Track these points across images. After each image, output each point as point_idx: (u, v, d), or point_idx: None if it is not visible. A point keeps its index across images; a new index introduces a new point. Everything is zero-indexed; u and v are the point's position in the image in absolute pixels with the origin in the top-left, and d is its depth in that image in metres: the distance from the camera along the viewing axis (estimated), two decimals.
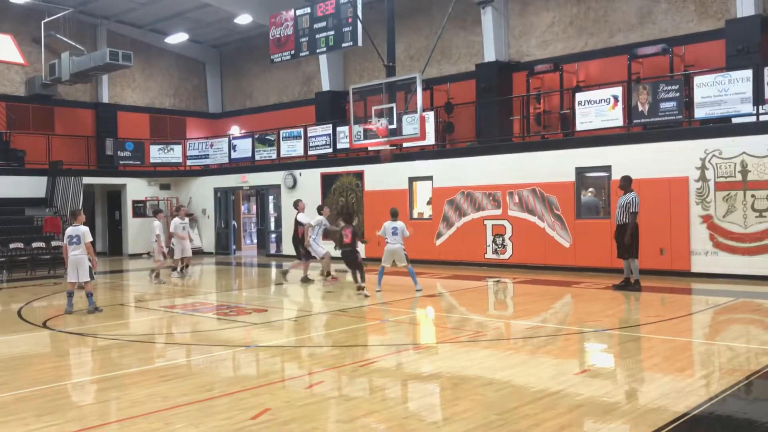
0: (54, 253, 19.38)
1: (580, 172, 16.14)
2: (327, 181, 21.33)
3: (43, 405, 6.05)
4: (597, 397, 6.05)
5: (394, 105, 16.73)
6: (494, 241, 17.39)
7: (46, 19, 23.98)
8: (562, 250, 16.13)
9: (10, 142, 23.65)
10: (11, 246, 18.75)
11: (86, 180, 23.17)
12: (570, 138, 16.93)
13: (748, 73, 13.95)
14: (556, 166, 16.33)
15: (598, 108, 15.90)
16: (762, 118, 13.91)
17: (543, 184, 16.52)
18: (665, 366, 7.20)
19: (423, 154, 19.07)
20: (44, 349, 9.13)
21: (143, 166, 25.24)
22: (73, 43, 23.96)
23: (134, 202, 24.79)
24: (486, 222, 17.50)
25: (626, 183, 12.61)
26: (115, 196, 25.43)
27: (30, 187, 22.16)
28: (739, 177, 13.83)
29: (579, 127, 16.37)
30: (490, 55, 20.11)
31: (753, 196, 13.69)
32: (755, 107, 13.87)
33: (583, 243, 15.79)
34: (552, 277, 15.18)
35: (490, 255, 17.46)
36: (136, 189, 24.93)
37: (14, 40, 21.14)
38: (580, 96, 16.43)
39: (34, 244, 19.17)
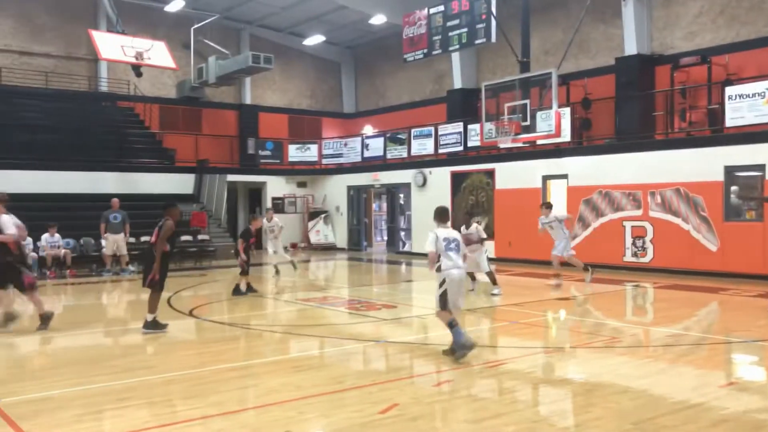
0: (200, 246, 20.64)
1: (730, 171, 15.05)
2: (457, 179, 21.26)
3: (187, 389, 6.44)
4: (745, 412, 5.61)
5: (527, 102, 16.41)
6: (634, 244, 16.60)
7: (195, 26, 25.56)
8: (709, 255, 15.13)
9: (163, 142, 25.44)
10: (182, 238, 20.07)
11: (230, 177, 24.49)
12: (718, 135, 15.83)
13: None
14: (702, 164, 15.33)
15: (751, 102, 14.76)
16: None
17: (688, 184, 15.55)
18: None
19: (558, 151, 18.54)
20: (189, 336, 9.72)
21: (282, 164, 26.30)
22: (219, 48, 25.38)
23: (273, 198, 25.89)
24: (625, 223, 16.74)
25: None
26: (255, 193, 26.68)
27: (179, 183, 23.69)
28: None
29: (729, 123, 15.27)
30: (631, 49, 19.22)
31: None
32: None
33: (732, 247, 14.72)
34: (696, 282, 14.27)
35: (629, 258, 16.68)
36: (275, 186, 26.02)
37: (167, 46, 22.67)
38: (730, 90, 15.32)
39: (183, 238, 20.45)
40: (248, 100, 28.43)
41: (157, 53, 21.92)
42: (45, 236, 16.91)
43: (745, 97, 14.90)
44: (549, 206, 14.11)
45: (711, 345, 8.20)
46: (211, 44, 25.48)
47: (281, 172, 26.28)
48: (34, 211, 17.25)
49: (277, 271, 16.66)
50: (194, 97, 26.83)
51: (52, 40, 25.12)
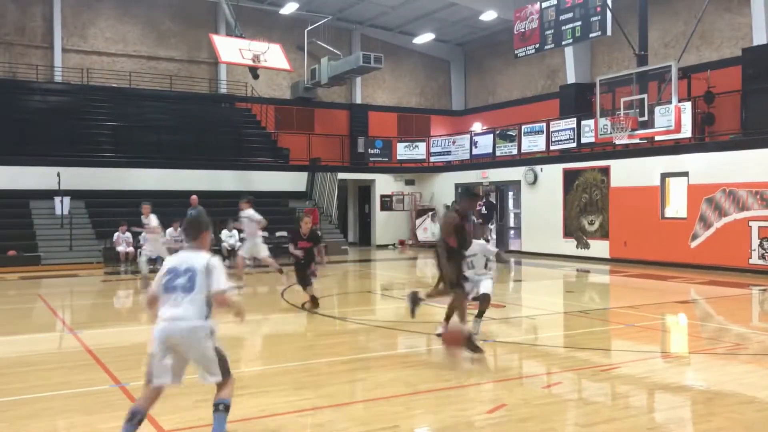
0: None
1: None
2: (569, 176, 20.70)
3: (300, 379, 6.64)
4: None
5: (645, 96, 15.79)
6: (761, 245, 15.57)
7: (309, 27, 26.27)
8: None
9: (278, 141, 26.33)
10: (277, 234, 20.81)
11: (340, 175, 25.01)
12: None
13: None
14: None
15: None
16: None
17: None
18: None
19: (677, 148, 17.67)
20: (300, 328, 10.02)
21: (390, 162, 26.58)
22: (331, 49, 25.96)
23: (382, 196, 26.20)
24: (751, 223, 15.73)
25: None
26: (365, 191, 27.12)
27: (292, 181, 24.45)
28: None
29: None
30: (760, 38, 18.01)
31: None
32: None
33: None
34: None
35: (755, 260, 15.66)
36: (384, 184, 26.32)
37: (282, 49, 23.42)
38: None
39: None
40: (358, 100, 28.92)
41: (273, 55, 22.68)
42: (169, 231, 17.91)
43: None
44: (249, 201, 13.64)
45: None
46: (324, 45, 26.10)
47: (390, 170, 26.55)
48: (160, 207, 18.30)
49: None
50: (307, 97, 27.60)
51: (176, 45, 26.56)
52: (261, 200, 20.93)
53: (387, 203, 26.22)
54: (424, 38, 28.32)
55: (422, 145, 26.65)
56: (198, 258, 4.56)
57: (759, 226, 15.60)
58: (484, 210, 23.11)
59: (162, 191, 20.86)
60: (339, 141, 27.42)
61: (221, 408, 4.48)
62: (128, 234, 18.09)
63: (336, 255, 20.39)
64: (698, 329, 9.79)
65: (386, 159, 26.64)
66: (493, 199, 23.62)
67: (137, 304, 12.18)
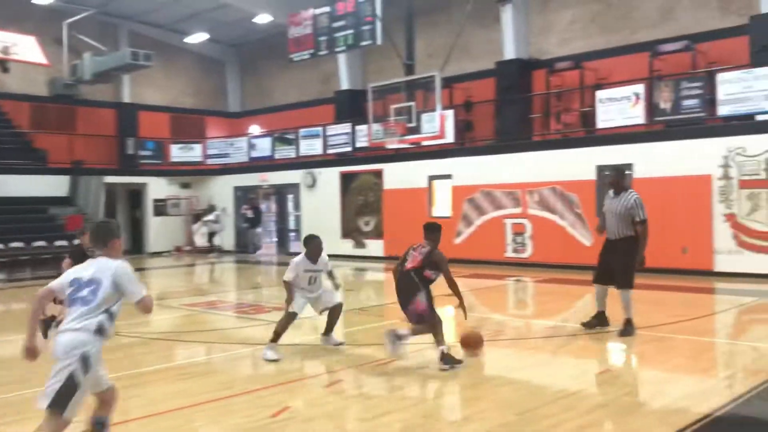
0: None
1: (601, 170, 15.99)
2: (346, 179, 21.37)
3: None
4: (618, 397, 5.99)
5: (413, 103, 16.75)
6: (514, 240, 17.31)
7: (69, 20, 24.25)
8: (583, 249, 15.98)
9: (33, 142, 23.96)
10: (34, 244, 18.98)
11: (108, 179, 23.42)
12: (591, 136, 16.80)
13: None
14: (576, 164, 16.21)
15: (619, 106, 15.76)
16: None
17: (563, 183, 16.41)
18: (688, 366, 7.11)
19: (442, 152, 19.03)
20: None
21: (164, 165, 25.44)
22: (95, 44, 24.20)
23: (155, 200, 25.00)
24: (506, 221, 17.42)
25: (621, 178, 8.85)
26: (136, 195, 25.66)
27: (53, 186, 22.40)
28: (763, 175, 13.63)
29: (600, 125, 16.23)
30: (510, 53, 19.99)
31: None
32: None
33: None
34: (573, 276, 15.05)
35: (509, 254, 17.37)
36: (157, 188, 25.12)
37: (38, 41, 21.37)
38: (600, 94, 16.29)
39: (57, 243, 19.39)
40: (127, 99, 27.26)
41: (26, 48, 20.66)
42: None
43: (614, 100, 15.88)
44: None
45: (587, 335, 8.68)
46: (87, 40, 24.25)
47: (163, 173, 25.40)
48: None
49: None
50: (68, 95, 25.41)
51: None
52: (17, 207, 19.00)
53: (161, 208, 25.07)
54: (198, 38, 27.49)
55: (198, 147, 25.86)
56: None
57: (512, 223, 17.32)
58: (250, 214, 23.38)
59: None
60: (106, 142, 25.65)
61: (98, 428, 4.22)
62: None
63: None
64: (464, 319, 10.59)
65: (159, 161, 25.44)
66: (260, 204, 24.38)
67: None
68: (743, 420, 5.51)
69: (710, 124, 14.89)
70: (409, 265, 7.16)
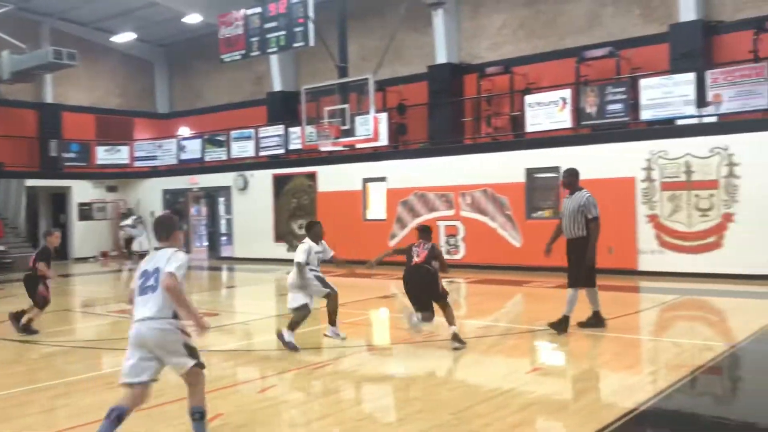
0: None
1: (530, 173, 16.37)
2: (279, 182, 21.17)
3: None
4: (548, 394, 6.13)
5: (347, 106, 16.72)
6: (447, 242, 17.50)
7: None
8: (513, 250, 16.33)
9: None
10: None
11: (29, 182, 22.52)
12: (520, 139, 17.16)
13: (691, 76, 14.37)
14: (506, 167, 16.53)
15: (547, 110, 16.15)
16: (704, 120, 14.35)
17: (494, 185, 16.70)
18: (614, 363, 7.34)
19: (376, 155, 19.08)
20: None
21: (89, 167, 24.63)
22: (14, 41, 23.19)
23: (80, 204, 24.17)
24: (439, 223, 17.59)
25: (573, 179, 9.06)
26: (59, 199, 24.74)
27: None
28: (683, 177, 14.22)
29: (529, 128, 16.61)
30: (441, 57, 20.23)
31: (697, 195, 14.09)
32: (698, 109, 14.30)
33: (534, 243, 15.97)
34: (503, 276, 15.35)
35: (444, 256, 17.53)
36: (82, 191, 24.30)
37: None
38: (529, 98, 16.67)
39: None
40: (50, 99, 26.24)
41: None
42: None
43: (542, 105, 16.28)
44: None
45: (517, 334, 8.86)
46: (5, 37, 23.23)
47: (88, 175, 24.59)
48: None
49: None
50: None
51: None
52: None
53: (86, 212, 24.25)
54: (125, 37, 26.70)
55: (125, 149, 25.15)
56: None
57: (445, 225, 17.52)
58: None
59: None
60: (26, 144, 24.62)
61: (197, 417, 4.76)
62: None
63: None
64: (399, 321, 10.65)
65: (84, 164, 24.61)
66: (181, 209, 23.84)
67: None
68: (666, 413, 5.72)
69: (633, 128, 15.43)
70: (417, 260, 8.24)
